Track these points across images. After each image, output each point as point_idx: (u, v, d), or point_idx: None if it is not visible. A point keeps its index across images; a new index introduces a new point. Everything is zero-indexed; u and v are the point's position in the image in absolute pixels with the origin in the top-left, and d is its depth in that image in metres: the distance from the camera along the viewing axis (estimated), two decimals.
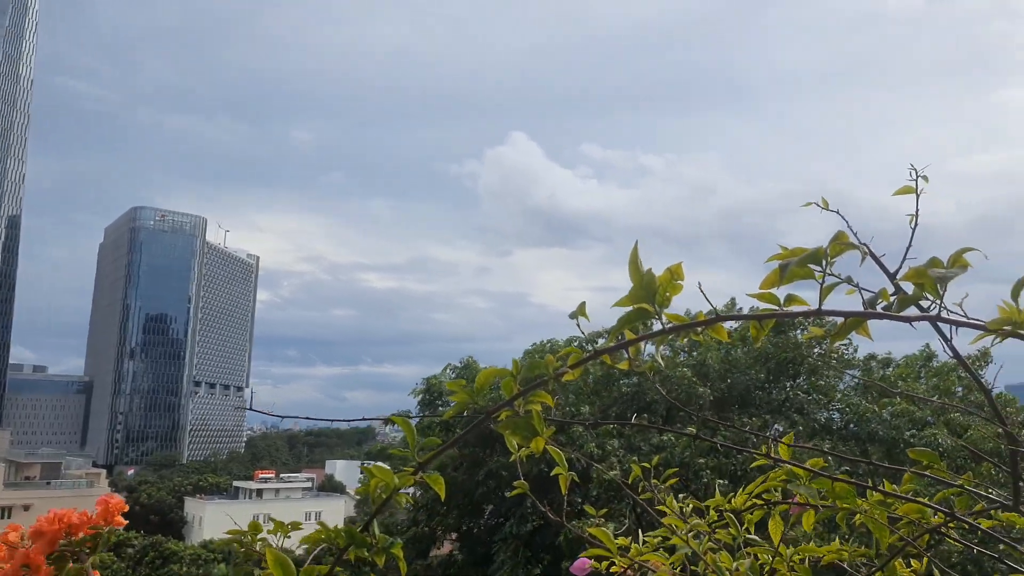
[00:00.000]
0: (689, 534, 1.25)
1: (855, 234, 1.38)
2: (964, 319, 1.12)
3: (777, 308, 1.06)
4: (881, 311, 1.11)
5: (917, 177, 1.30)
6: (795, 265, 0.94)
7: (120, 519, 1.33)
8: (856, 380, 16.89)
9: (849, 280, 1.10)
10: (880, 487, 1.78)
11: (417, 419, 15.62)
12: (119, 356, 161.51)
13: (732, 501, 1.96)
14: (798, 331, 15.93)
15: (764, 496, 1.95)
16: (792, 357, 16.04)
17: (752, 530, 1.91)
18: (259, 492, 75.88)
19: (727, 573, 1.27)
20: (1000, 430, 1.46)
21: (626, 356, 1.09)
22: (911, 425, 14.59)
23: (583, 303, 1.09)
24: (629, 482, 1.62)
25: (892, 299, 1.18)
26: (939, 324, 1.24)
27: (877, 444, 14.53)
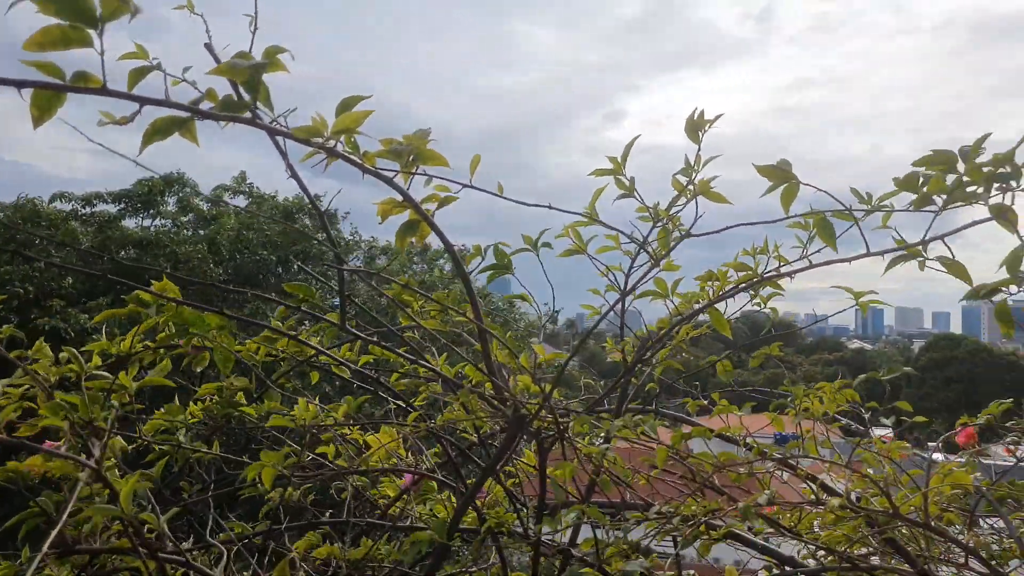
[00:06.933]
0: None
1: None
2: (286, 129, 1.09)
3: (61, 82, 0.89)
4: (203, 109, 1.03)
5: None
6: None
7: None
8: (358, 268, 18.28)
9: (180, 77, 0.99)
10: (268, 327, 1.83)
11: None
12: None
13: (121, 345, 1.81)
14: (305, 218, 16.50)
15: (159, 339, 1.84)
16: (300, 245, 16.59)
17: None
18: None
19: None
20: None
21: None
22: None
23: None
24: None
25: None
26: (276, 138, 1.24)
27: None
